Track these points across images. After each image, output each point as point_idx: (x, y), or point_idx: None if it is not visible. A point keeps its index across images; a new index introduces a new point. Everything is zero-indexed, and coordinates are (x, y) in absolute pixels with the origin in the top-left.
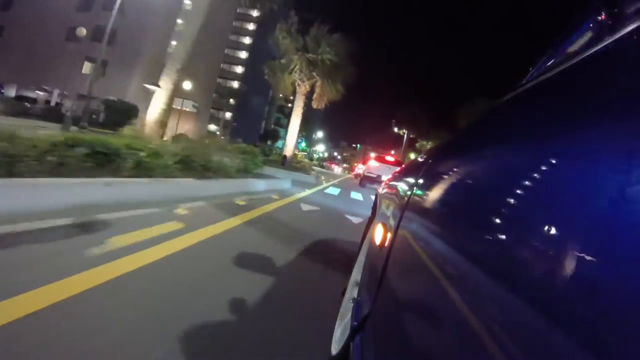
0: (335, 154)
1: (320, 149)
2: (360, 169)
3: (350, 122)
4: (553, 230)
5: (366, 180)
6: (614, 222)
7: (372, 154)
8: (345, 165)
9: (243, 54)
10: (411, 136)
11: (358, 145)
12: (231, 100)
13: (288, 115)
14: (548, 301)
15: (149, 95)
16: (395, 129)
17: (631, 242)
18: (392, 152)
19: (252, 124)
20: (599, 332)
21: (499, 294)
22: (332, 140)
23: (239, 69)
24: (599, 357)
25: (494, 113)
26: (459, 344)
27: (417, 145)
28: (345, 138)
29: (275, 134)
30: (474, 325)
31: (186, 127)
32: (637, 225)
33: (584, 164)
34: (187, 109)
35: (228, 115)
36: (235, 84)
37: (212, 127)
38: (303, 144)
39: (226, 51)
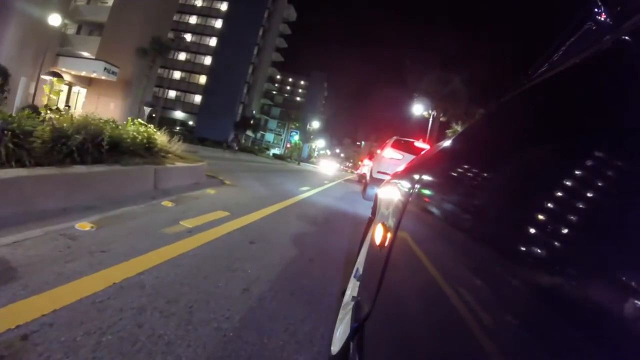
0: (338, 150)
1: (320, 144)
2: (366, 165)
3: (355, 119)
4: (554, 230)
5: (375, 185)
6: (614, 221)
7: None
8: (348, 163)
9: (218, 23)
10: (441, 119)
11: (362, 143)
12: (201, 80)
13: (282, 104)
14: (547, 301)
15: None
16: (417, 110)
17: (631, 240)
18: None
19: (226, 109)
20: (595, 331)
21: (498, 294)
22: (335, 138)
23: (213, 42)
24: (597, 356)
25: (494, 113)
26: (458, 344)
27: (449, 132)
28: (349, 135)
29: (257, 124)
30: (474, 325)
31: (112, 106)
32: (637, 223)
33: (584, 163)
34: (95, 75)
35: (198, 99)
36: (208, 60)
37: (179, 114)
38: (296, 137)
39: (198, 20)
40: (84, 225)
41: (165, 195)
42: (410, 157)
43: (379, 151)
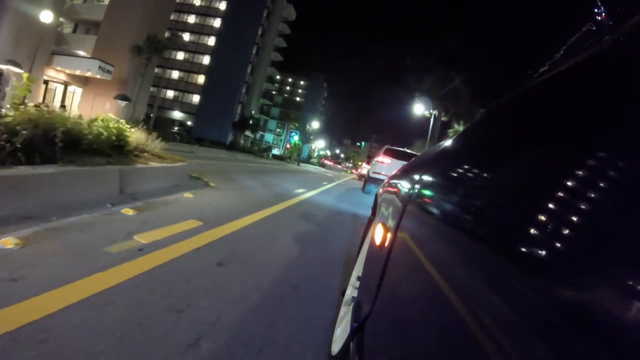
0: (338, 151)
1: (320, 145)
2: (365, 168)
3: (355, 120)
4: (554, 231)
5: (372, 183)
6: (615, 221)
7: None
8: (348, 164)
9: (217, 22)
10: (443, 118)
11: (362, 143)
12: (200, 80)
13: (281, 104)
14: (548, 302)
15: None
16: (418, 109)
17: (632, 240)
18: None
19: (224, 109)
20: (595, 332)
21: (498, 295)
22: (335, 138)
23: (211, 41)
24: (598, 356)
25: (495, 113)
26: (458, 344)
27: (451, 132)
28: (349, 136)
29: (256, 124)
30: (474, 325)
31: (107, 105)
32: (637, 224)
33: (584, 164)
34: (90, 74)
35: (196, 99)
36: (207, 60)
37: (178, 114)
38: (296, 138)
39: (196, 19)
40: (7, 242)
41: (130, 201)
42: (396, 162)
43: (374, 158)
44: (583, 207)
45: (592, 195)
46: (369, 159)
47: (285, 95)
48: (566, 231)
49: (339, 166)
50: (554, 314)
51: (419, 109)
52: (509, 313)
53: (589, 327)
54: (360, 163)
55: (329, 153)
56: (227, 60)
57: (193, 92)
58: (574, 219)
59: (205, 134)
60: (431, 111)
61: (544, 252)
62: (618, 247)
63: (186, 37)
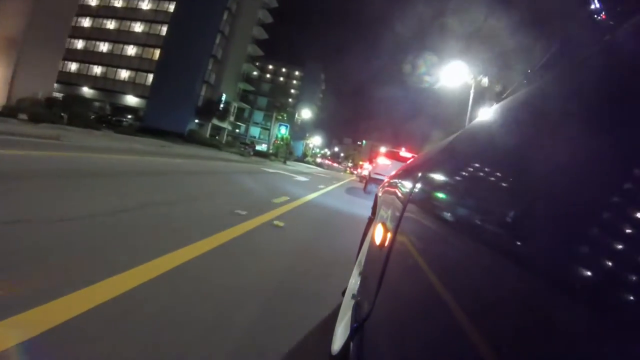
0: (337, 149)
1: (318, 142)
2: (366, 169)
3: (356, 117)
4: (554, 232)
5: (373, 183)
6: (616, 221)
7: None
8: (349, 163)
9: None
10: (497, 88)
11: (364, 142)
12: (155, 54)
13: (270, 94)
14: (547, 303)
15: None
16: (451, 78)
17: (631, 242)
18: (402, 148)
19: (184, 91)
20: (595, 332)
21: (499, 295)
22: (335, 137)
23: (171, 6)
24: (597, 357)
25: (495, 113)
26: (458, 344)
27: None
28: (350, 134)
29: (226, 109)
30: (474, 326)
31: None
32: (637, 225)
33: (584, 164)
34: None
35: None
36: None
37: (133, 99)
38: (283, 130)
39: None
40: None
41: None
42: (396, 163)
43: (375, 160)
44: (584, 208)
45: (592, 196)
46: (370, 159)
47: (274, 83)
48: (569, 233)
49: (335, 165)
50: (554, 315)
51: (456, 77)
52: (510, 314)
53: (589, 328)
54: (360, 162)
55: (327, 152)
56: (189, 28)
57: (149, 71)
58: (576, 219)
59: (160, 122)
60: (478, 78)
61: (543, 253)
62: (622, 248)
63: (145, 4)
